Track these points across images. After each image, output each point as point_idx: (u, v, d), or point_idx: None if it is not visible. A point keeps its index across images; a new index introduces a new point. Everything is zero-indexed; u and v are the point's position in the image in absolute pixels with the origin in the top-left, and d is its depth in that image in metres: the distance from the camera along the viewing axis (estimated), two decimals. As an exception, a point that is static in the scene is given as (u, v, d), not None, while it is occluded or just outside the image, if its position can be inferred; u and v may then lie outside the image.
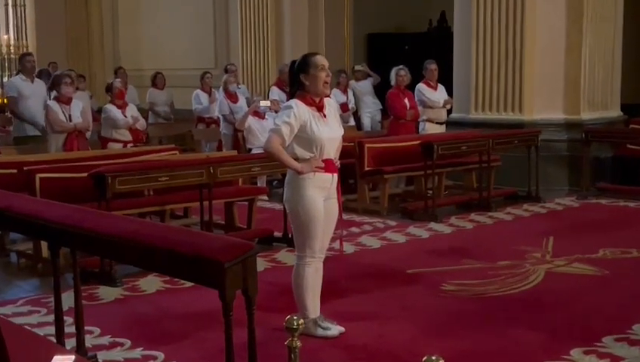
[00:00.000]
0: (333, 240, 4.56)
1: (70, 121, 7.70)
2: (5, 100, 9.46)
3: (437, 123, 9.66)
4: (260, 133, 9.27)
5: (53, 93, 7.91)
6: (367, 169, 8.22)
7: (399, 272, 5.77)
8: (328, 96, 4.42)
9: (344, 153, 4.87)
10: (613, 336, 4.28)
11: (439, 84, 9.74)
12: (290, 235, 5.90)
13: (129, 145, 8.40)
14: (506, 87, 9.50)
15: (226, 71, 11.56)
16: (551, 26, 9.34)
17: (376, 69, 12.00)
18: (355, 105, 11.65)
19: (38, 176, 6.02)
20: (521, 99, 9.43)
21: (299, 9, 13.05)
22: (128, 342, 4.31)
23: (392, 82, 9.52)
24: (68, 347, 3.86)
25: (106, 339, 4.36)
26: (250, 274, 3.00)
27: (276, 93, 10.92)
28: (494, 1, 9.43)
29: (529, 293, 5.21)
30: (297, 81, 4.28)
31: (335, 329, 4.37)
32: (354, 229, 7.26)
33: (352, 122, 11.28)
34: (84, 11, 16.42)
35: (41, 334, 4.13)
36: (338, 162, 4.38)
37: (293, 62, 4.39)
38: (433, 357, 2.07)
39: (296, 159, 4.23)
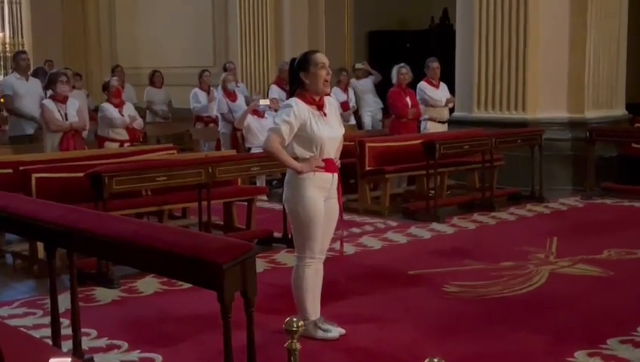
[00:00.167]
0: (333, 240, 4.54)
1: (66, 120, 7.64)
2: (1, 100, 9.39)
3: (439, 122, 9.63)
4: (259, 132, 9.25)
5: (50, 92, 7.84)
6: (368, 168, 8.20)
7: (401, 273, 5.75)
8: (329, 94, 4.39)
9: (345, 152, 4.84)
10: (618, 338, 4.27)
11: (441, 82, 9.70)
12: (289, 236, 5.88)
13: (126, 145, 8.36)
14: (509, 86, 9.47)
15: (225, 69, 11.54)
16: (555, 23, 9.31)
17: (378, 67, 11.98)
18: (356, 103, 11.65)
19: (34, 176, 5.98)
20: (524, 97, 9.40)
21: (299, 6, 13.02)
22: (125, 345, 4.29)
23: (394, 80, 9.48)
24: (64, 349, 3.85)
25: (103, 342, 4.34)
26: (250, 276, 3.01)
27: (276, 91, 10.91)
28: (497, -2, 9.41)
29: (532, 295, 5.19)
30: (297, 79, 4.25)
31: (335, 332, 4.35)
32: (355, 230, 7.23)
33: (352, 121, 11.28)
34: (81, 8, 16.37)
35: (37, 336, 4.12)
36: (338, 162, 4.36)
37: (293, 60, 4.36)
38: (435, 360, 2.07)
39: (296, 159, 4.20)
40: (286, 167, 4.34)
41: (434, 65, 9.58)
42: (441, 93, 9.64)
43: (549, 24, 9.29)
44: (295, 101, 4.21)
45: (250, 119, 9.54)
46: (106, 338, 4.37)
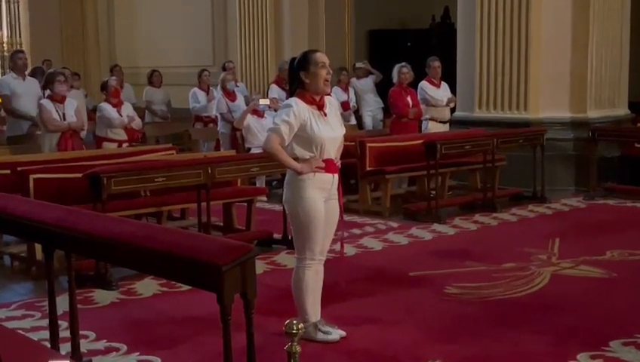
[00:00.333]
0: (334, 242, 4.52)
1: (64, 120, 7.61)
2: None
3: (440, 122, 9.61)
4: (258, 132, 9.23)
5: (47, 92, 7.81)
6: (368, 169, 8.18)
7: (401, 275, 5.74)
8: (329, 94, 4.38)
9: (345, 153, 4.85)
10: (620, 340, 4.26)
11: (442, 82, 9.68)
12: (289, 237, 5.87)
13: (124, 145, 8.35)
14: (510, 85, 9.44)
15: (224, 68, 11.51)
16: (557, 21, 9.29)
17: (378, 67, 11.97)
18: (357, 103, 11.64)
19: (32, 176, 5.95)
20: (526, 97, 9.38)
21: (299, 4, 12.99)
22: (124, 347, 4.28)
23: (394, 80, 9.45)
24: (62, 352, 3.85)
25: (101, 344, 4.33)
26: (249, 277, 2.99)
27: (275, 91, 10.90)
28: (499, -3, 9.38)
29: (534, 296, 5.17)
30: (297, 78, 4.24)
31: (336, 334, 4.33)
32: (355, 231, 7.21)
33: (353, 121, 11.27)
34: (79, 8, 16.34)
35: (35, 339, 4.12)
36: (339, 162, 4.34)
37: (293, 59, 4.34)
38: (436, 362, 2.02)
39: (296, 159, 4.18)
40: (286, 168, 4.32)
41: (435, 64, 9.54)
42: (443, 92, 9.61)
43: (551, 23, 9.27)
44: (295, 101, 4.19)
45: (250, 119, 9.51)
46: (104, 341, 4.36)
